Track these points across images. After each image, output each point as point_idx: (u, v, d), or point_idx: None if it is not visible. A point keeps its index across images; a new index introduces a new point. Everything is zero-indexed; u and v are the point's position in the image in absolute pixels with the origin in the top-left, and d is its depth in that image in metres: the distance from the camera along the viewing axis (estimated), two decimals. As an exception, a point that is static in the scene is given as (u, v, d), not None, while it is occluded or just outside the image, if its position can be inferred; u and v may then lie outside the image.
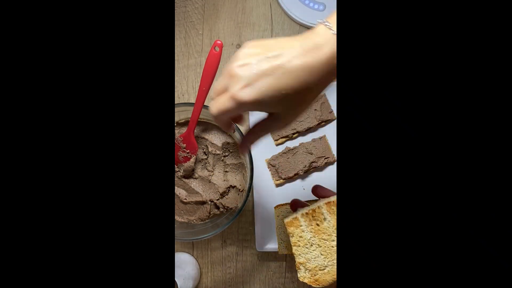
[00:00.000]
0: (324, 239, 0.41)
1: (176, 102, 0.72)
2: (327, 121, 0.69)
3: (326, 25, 0.31)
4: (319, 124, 0.68)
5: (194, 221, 0.64)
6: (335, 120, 0.69)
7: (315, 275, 0.42)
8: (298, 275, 0.43)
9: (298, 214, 0.42)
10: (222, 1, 0.76)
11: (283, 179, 0.68)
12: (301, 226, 0.42)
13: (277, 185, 0.69)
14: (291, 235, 0.42)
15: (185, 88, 0.74)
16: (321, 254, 0.41)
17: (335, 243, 0.41)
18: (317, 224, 0.41)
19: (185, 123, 0.67)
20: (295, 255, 0.42)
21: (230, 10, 0.75)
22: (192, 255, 0.69)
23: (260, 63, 0.33)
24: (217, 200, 0.63)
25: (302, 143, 0.68)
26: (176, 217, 0.65)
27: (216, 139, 0.65)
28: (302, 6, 0.72)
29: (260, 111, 0.35)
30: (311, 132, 0.69)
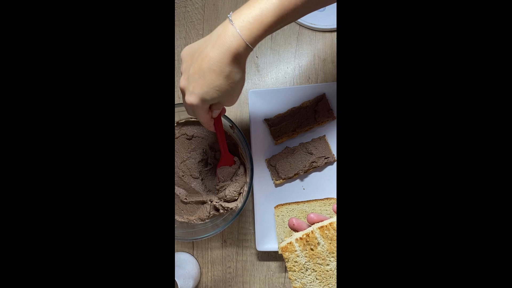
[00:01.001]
0: (319, 264, 0.41)
1: (176, 102, 0.72)
2: (328, 121, 0.69)
3: (228, 17, 0.39)
4: (319, 124, 0.68)
5: (194, 221, 0.65)
6: (335, 120, 0.69)
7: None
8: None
9: (293, 239, 0.42)
10: (222, 1, 0.76)
11: (283, 179, 0.68)
12: (295, 251, 0.42)
13: (277, 185, 0.69)
14: (286, 260, 0.42)
15: (185, 88, 0.74)
16: (317, 279, 0.41)
17: (329, 267, 0.41)
18: (311, 249, 0.41)
19: (185, 123, 0.67)
20: (291, 280, 0.42)
21: (230, 10, 0.75)
22: (192, 255, 0.69)
23: (189, 69, 0.42)
24: (217, 200, 0.63)
25: (302, 143, 0.68)
26: (176, 217, 0.65)
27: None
28: (302, 6, 0.72)
29: (208, 104, 0.44)
30: (311, 132, 0.69)
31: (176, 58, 0.74)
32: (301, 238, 0.41)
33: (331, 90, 0.69)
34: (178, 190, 0.65)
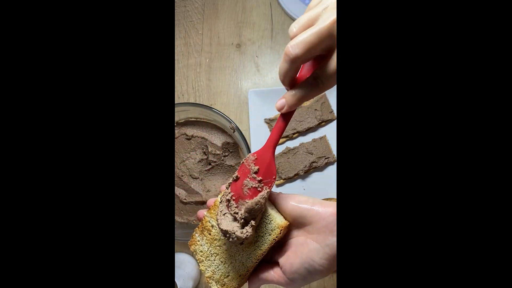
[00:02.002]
0: (218, 246, 0.40)
1: (176, 102, 0.72)
2: (328, 121, 0.69)
3: None
4: (319, 124, 0.68)
5: (194, 221, 0.64)
6: (336, 120, 0.69)
7: (223, 285, 0.41)
8: (206, 277, 0.42)
9: (193, 232, 0.42)
10: (222, 1, 0.76)
11: (283, 179, 0.67)
12: (198, 241, 0.42)
13: (277, 185, 0.68)
14: (195, 253, 0.42)
15: (185, 88, 0.74)
16: (221, 262, 0.41)
17: (227, 246, 0.40)
18: (209, 233, 0.41)
19: (185, 123, 0.67)
20: (202, 272, 0.42)
21: (230, 9, 0.75)
22: (192, 256, 0.69)
23: None
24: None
25: (303, 143, 0.68)
26: (176, 217, 0.64)
27: (216, 139, 0.65)
28: (302, 5, 0.72)
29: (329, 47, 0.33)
30: (311, 132, 0.69)
31: (176, 58, 0.74)
32: (198, 227, 0.41)
33: (331, 89, 0.68)
34: (177, 191, 0.64)
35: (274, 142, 0.38)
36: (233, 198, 0.38)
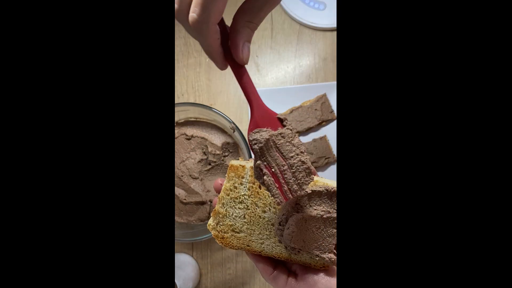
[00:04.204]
0: (257, 205, 0.37)
1: (176, 102, 0.72)
2: (328, 121, 0.69)
3: None
4: (319, 124, 0.68)
5: (194, 221, 0.64)
6: (336, 120, 0.69)
7: (225, 233, 0.38)
8: (208, 222, 0.39)
9: (248, 164, 0.37)
10: (222, 0, 0.76)
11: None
12: (243, 177, 0.37)
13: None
14: (228, 180, 0.37)
15: (184, 88, 0.74)
16: (244, 217, 0.37)
17: (264, 215, 0.37)
18: (259, 187, 0.36)
19: (185, 123, 0.66)
20: (218, 201, 0.38)
21: (230, 9, 0.75)
22: (192, 256, 0.69)
23: None
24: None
25: (303, 143, 0.68)
26: (176, 218, 0.64)
27: (216, 139, 0.65)
28: (303, 5, 0.72)
29: None
30: (311, 132, 0.69)
31: (176, 57, 0.74)
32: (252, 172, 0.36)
33: (331, 89, 0.68)
34: (177, 191, 0.64)
35: (255, 95, 0.31)
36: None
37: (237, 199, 0.37)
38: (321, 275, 0.36)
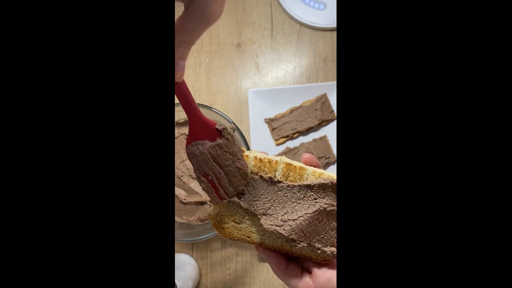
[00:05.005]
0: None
1: (176, 102, 0.72)
2: (328, 121, 0.69)
3: None
4: (320, 124, 0.68)
5: (194, 221, 0.64)
6: (336, 120, 0.69)
7: (225, 223, 0.37)
8: (208, 212, 0.38)
9: (251, 155, 0.36)
10: (222, 0, 0.76)
11: (284, 179, 0.67)
12: (247, 165, 0.36)
13: (277, 186, 0.68)
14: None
15: (184, 88, 0.74)
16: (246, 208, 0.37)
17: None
18: (261, 177, 0.36)
19: (185, 123, 0.66)
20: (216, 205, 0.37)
21: (230, 9, 0.75)
22: (192, 256, 0.69)
23: None
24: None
25: (303, 143, 0.68)
26: (176, 218, 0.64)
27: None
28: (303, 5, 0.72)
29: None
30: (312, 132, 0.69)
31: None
32: (261, 160, 0.36)
33: (331, 89, 0.68)
34: (177, 191, 0.64)
35: (193, 107, 0.33)
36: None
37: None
38: (335, 272, 0.35)
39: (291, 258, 0.38)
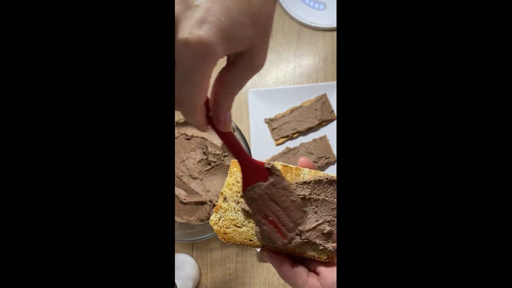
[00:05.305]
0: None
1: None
2: (328, 121, 0.69)
3: None
4: (319, 124, 0.68)
5: (194, 221, 0.64)
6: (336, 120, 0.69)
7: (227, 228, 0.38)
8: (211, 218, 0.38)
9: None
10: (222, 0, 0.76)
11: (283, 179, 0.67)
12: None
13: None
14: (230, 175, 0.37)
15: (184, 88, 0.74)
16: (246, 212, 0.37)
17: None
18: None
19: (185, 123, 0.66)
20: (220, 196, 0.38)
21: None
22: (192, 256, 0.69)
23: None
24: (216, 200, 0.63)
25: (303, 143, 0.68)
26: (176, 218, 0.64)
27: (215, 139, 0.65)
28: (303, 5, 0.72)
29: (231, 52, 0.25)
30: (311, 132, 0.69)
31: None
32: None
33: (331, 89, 0.68)
34: (177, 191, 0.64)
35: (242, 153, 0.33)
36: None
37: (240, 193, 0.38)
38: None
39: (297, 261, 0.38)
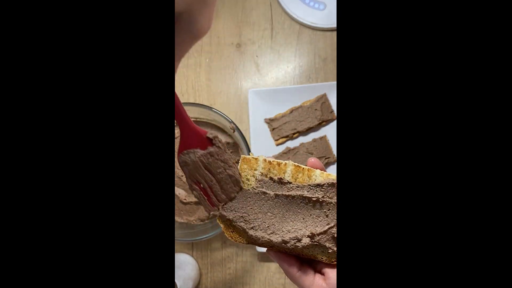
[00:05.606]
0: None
1: (175, 101, 0.72)
2: (328, 121, 0.69)
3: None
4: (319, 124, 0.68)
5: (194, 221, 0.64)
6: (336, 120, 0.69)
7: (235, 227, 0.37)
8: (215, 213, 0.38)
9: (261, 157, 0.37)
10: (221, 1, 0.76)
11: (284, 179, 0.67)
12: (255, 170, 0.37)
13: (277, 186, 0.68)
14: (239, 171, 0.37)
15: (184, 88, 0.74)
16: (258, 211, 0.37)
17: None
18: (271, 178, 0.36)
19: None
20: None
21: (230, 9, 0.75)
22: (192, 256, 0.69)
23: None
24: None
25: (303, 143, 0.68)
26: (176, 218, 0.64)
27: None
28: (303, 5, 0.72)
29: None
30: (311, 132, 0.69)
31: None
32: (270, 162, 0.37)
33: (331, 89, 0.68)
34: (177, 191, 0.64)
35: (184, 116, 0.33)
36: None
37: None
38: None
39: (304, 261, 0.38)
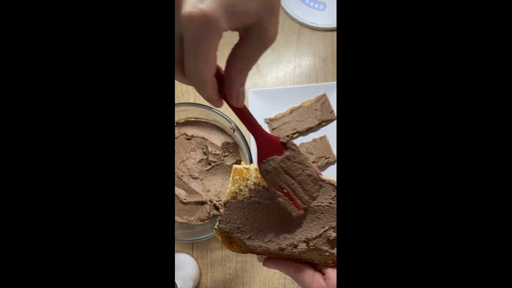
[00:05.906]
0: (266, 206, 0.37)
1: (176, 101, 0.72)
2: (328, 121, 0.69)
3: None
4: (319, 124, 0.68)
5: (194, 221, 0.64)
6: (336, 120, 0.69)
7: (232, 238, 0.38)
8: (215, 226, 0.38)
9: (252, 167, 0.37)
10: None
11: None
12: (248, 180, 0.37)
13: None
14: (233, 183, 0.37)
15: (185, 88, 0.74)
16: (254, 220, 0.37)
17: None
18: (265, 188, 0.37)
19: (185, 123, 0.66)
20: (224, 205, 0.38)
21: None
22: (192, 256, 0.69)
23: None
24: (216, 200, 0.63)
25: (303, 143, 0.68)
26: (176, 218, 0.64)
27: (216, 139, 0.65)
28: (303, 5, 0.72)
29: (236, 25, 0.26)
30: (311, 132, 0.69)
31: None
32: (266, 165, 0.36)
33: (331, 89, 0.68)
34: (177, 191, 0.64)
35: (257, 127, 0.33)
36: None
37: (248, 204, 0.38)
38: None
39: (303, 262, 0.39)
